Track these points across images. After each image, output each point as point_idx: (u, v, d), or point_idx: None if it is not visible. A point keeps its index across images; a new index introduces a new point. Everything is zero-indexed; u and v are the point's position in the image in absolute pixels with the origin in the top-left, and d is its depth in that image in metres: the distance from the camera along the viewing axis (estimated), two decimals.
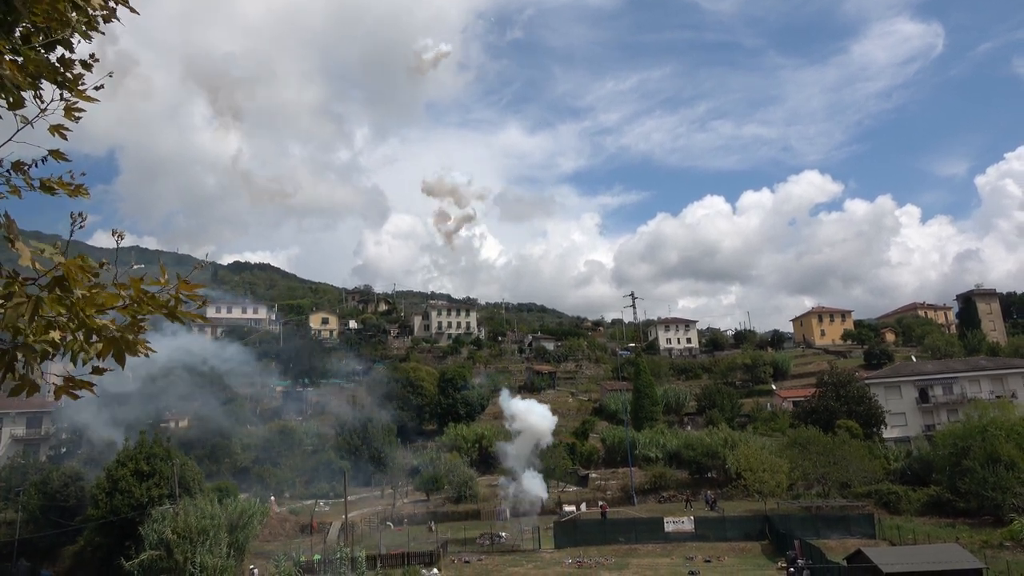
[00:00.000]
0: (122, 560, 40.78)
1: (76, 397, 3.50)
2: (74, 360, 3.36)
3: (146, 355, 3.49)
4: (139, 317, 3.38)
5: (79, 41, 3.81)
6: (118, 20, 3.89)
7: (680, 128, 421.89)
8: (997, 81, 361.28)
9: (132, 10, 3.95)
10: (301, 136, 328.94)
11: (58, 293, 3.12)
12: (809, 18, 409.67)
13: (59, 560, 53.73)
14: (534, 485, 56.34)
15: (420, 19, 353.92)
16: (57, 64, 3.76)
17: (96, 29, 3.82)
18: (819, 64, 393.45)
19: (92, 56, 3.90)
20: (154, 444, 51.96)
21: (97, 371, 3.41)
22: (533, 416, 60.67)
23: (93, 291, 3.22)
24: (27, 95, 3.63)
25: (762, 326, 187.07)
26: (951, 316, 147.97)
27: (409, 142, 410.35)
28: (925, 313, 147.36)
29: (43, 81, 3.73)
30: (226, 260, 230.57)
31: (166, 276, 3.46)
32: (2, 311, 3.10)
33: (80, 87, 3.85)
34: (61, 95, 3.80)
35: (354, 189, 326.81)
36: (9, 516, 57.83)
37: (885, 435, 75.65)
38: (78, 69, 3.85)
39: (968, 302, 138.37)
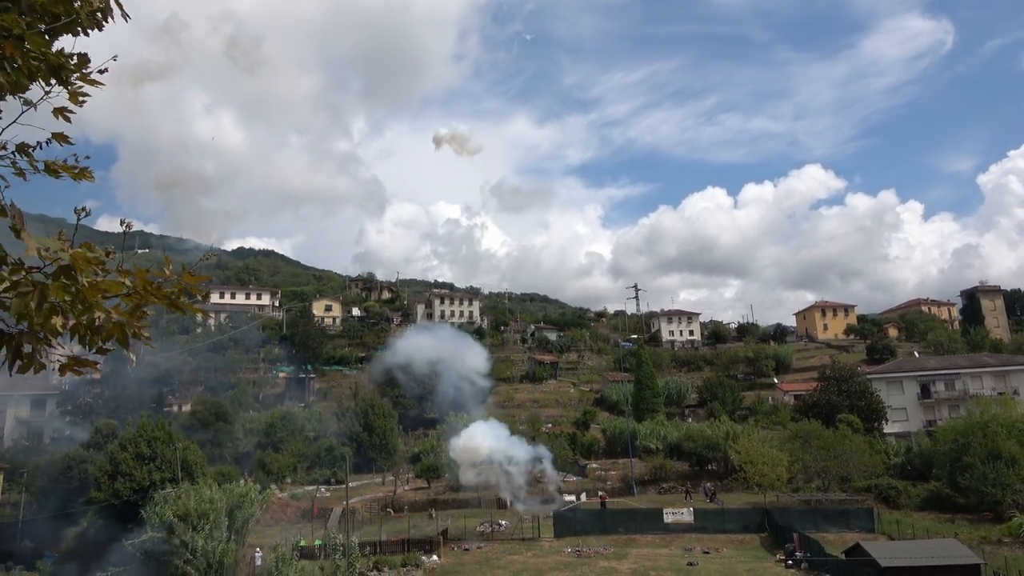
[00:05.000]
0: (124, 542, 41.12)
1: (80, 374, 3.56)
2: (82, 342, 3.41)
3: (148, 338, 3.54)
4: (142, 304, 3.42)
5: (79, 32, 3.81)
6: (121, 9, 3.89)
7: (688, 121, 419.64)
8: (1005, 78, 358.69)
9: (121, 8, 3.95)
10: (300, 126, 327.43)
11: (64, 281, 3.16)
12: (819, 13, 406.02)
13: (62, 542, 54.17)
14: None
15: (419, 10, 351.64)
16: (60, 57, 3.76)
17: (97, 25, 3.81)
18: (829, 59, 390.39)
19: (88, 60, 3.89)
20: (156, 428, 52.25)
21: (101, 351, 3.46)
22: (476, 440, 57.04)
23: (98, 279, 3.26)
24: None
25: (765, 319, 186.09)
26: (955, 312, 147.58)
27: (416, 131, 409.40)
28: (929, 309, 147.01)
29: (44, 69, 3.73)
30: (229, 246, 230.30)
31: (171, 267, 3.50)
32: (9, 300, 3.15)
33: (85, 71, 3.86)
34: (64, 80, 3.81)
35: (354, 179, 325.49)
36: (13, 498, 58.27)
37: (886, 430, 75.74)
38: (76, 61, 3.84)
39: (972, 298, 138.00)
